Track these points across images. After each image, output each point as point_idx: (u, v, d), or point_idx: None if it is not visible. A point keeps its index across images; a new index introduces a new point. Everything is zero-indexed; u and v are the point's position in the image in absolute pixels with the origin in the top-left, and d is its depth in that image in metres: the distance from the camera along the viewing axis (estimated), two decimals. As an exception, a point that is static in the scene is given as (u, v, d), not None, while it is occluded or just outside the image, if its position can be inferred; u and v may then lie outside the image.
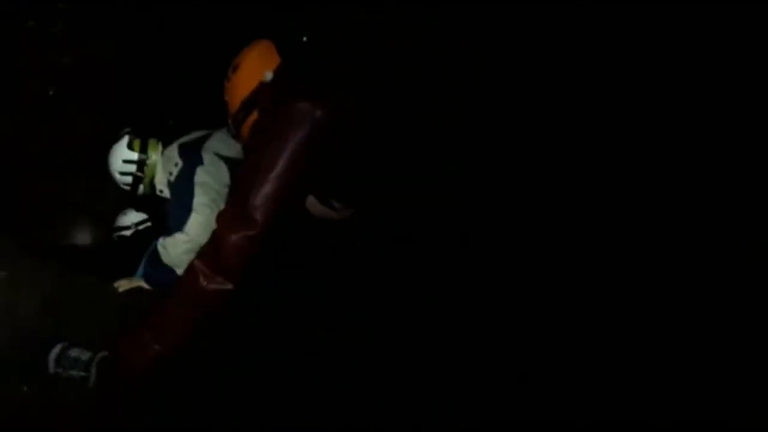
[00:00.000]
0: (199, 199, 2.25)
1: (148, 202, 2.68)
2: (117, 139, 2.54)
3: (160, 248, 2.28)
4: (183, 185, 2.30)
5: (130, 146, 2.50)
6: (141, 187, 2.55)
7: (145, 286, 2.35)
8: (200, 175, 2.28)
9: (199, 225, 2.25)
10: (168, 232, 2.32)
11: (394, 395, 1.81)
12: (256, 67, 1.72)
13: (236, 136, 1.91)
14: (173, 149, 2.43)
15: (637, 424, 1.71)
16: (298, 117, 1.57)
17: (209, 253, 1.63)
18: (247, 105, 1.74)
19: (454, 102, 1.96)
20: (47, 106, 2.81)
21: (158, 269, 2.29)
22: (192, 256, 2.05)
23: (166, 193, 2.47)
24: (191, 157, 2.35)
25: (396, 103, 1.81)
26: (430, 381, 1.84)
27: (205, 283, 1.59)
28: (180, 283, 1.70)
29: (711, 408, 1.68)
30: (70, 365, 1.74)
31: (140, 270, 2.45)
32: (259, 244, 1.59)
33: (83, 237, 3.45)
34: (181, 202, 2.30)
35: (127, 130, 2.55)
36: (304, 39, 1.79)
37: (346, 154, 1.70)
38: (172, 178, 2.38)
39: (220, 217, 1.65)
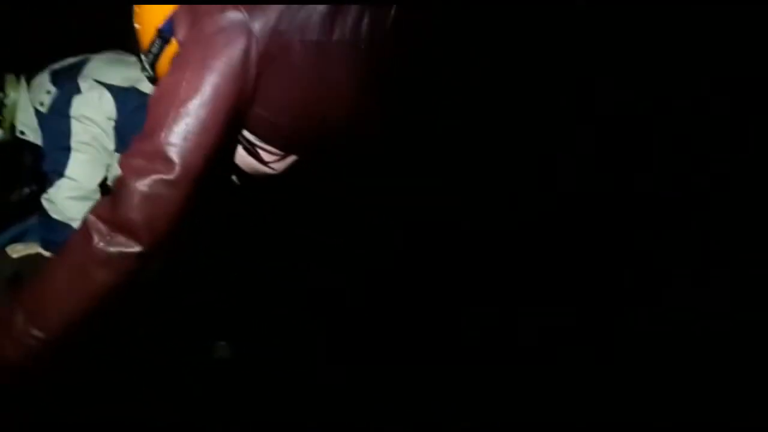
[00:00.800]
0: (78, 137, 1.97)
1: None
2: None
3: (44, 202, 1.99)
4: (57, 120, 2.00)
5: None
6: None
7: (44, 252, 1.99)
8: (77, 107, 1.97)
9: (81, 164, 1.98)
10: (48, 180, 2.00)
11: (393, 396, 1.78)
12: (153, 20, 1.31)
13: (152, 78, 1.44)
14: (44, 76, 2.06)
15: (637, 424, 1.74)
16: (230, 28, 1.20)
17: (107, 204, 1.18)
18: (164, 33, 1.32)
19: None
20: None
21: (52, 228, 1.99)
22: (87, 204, 1.90)
23: (29, 135, 2.10)
24: (66, 86, 2.01)
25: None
26: (430, 381, 1.81)
27: (100, 244, 1.14)
28: (67, 246, 1.22)
29: (711, 408, 1.72)
30: None
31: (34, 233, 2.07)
32: (184, 194, 1.17)
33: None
34: (55, 141, 2.01)
35: None
36: None
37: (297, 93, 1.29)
38: (44, 109, 2.02)
39: (124, 159, 1.20)
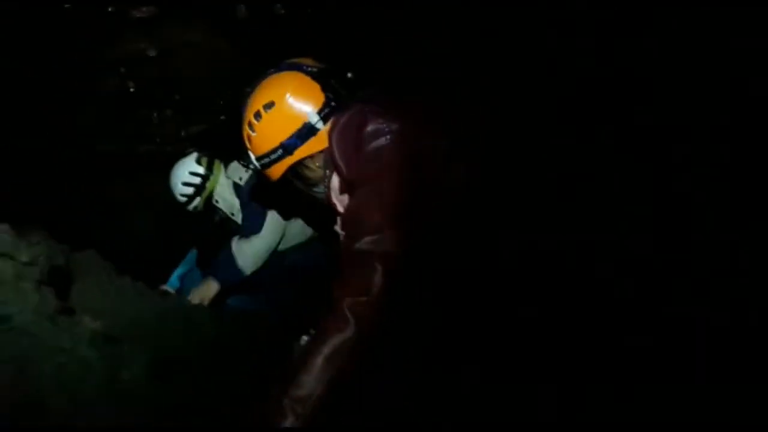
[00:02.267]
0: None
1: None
2: (185, 155, 2.75)
3: (235, 250, 2.51)
4: (256, 188, 2.48)
5: (198, 161, 2.69)
6: (197, 200, 2.69)
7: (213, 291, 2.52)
8: None
9: (274, 224, 2.50)
10: (243, 236, 2.53)
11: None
12: (298, 109, 1.56)
13: (261, 175, 1.72)
14: (238, 163, 2.65)
15: (637, 425, 1.64)
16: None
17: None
18: (288, 147, 1.58)
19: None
20: (126, 103, 2.76)
21: (231, 273, 2.50)
22: (263, 259, 2.50)
23: (221, 204, 2.69)
24: None
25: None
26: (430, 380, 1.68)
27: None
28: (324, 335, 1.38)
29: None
30: None
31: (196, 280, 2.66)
32: None
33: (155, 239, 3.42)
34: (252, 207, 2.52)
35: (196, 149, 2.78)
36: (349, 75, 1.62)
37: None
38: (243, 182, 2.57)
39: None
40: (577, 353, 1.75)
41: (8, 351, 1.36)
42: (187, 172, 2.67)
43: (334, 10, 2.42)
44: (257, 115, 1.59)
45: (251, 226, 2.52)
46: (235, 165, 2.65)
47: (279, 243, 2.56)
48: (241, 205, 2.63)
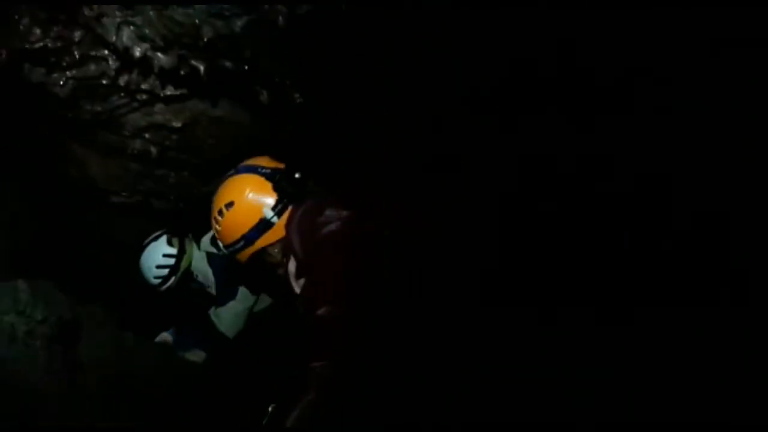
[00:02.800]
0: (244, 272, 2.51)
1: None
2: (154, 238, 2.86)
3: (213, 317, 2.68)
4: (226, 259, 2.44)
5: (169, 243, 2.80)
6: (171, 280, 2.80)
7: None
8: None
9: (245, 292, 2.67)
10: (219, 303, 2.69)
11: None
12: (256, 206, 1.84)
13: (229, 258, 2.02)
14: (210, 235, 2.77)
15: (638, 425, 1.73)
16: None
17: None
18: (249, 239, 1.87)
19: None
20: (146, 163, 2.91)
21: (216, 339, 2.64)
22: (241, 321, 2.65)
23: (200, 276, 2.83)
24: None
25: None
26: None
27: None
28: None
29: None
30: None
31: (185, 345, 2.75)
32: None
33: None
34: (226, 275, 2.67)
35: (164, 230, 2.88)
36: (297, 174, 1.89)
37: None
38: (220, 251, 2.48)
39: None
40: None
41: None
42: (160, 255, 2.79)
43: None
44: (220, 213, 1.87)
45: (227, 294, 2.68)
46: (206, 236, 2.83)
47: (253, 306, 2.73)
48: (214, 274, 2.77)
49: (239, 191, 1.86)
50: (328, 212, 1.72)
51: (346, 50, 2.33)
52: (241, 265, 1.97)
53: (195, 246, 2.88)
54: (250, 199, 1.84)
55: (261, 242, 1.87)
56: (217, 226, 1.90)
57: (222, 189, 1.90)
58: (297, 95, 2.35)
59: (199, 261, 2.84)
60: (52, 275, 1.91)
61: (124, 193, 3.10)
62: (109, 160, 2.88)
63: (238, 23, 2.06)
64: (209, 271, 2.79)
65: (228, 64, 2.18)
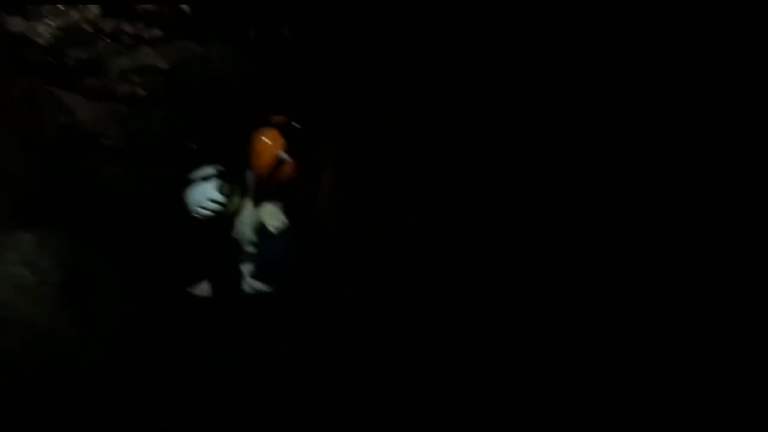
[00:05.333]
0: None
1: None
2: (205, 177, 2.77)
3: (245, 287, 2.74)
4: (280, 245, 2.71)
5: (219, 190, 2.74)
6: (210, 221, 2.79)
7: None
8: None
9: None
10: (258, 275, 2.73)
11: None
12: (271, 151, 2.67)
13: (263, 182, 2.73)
14: (277, 211, 2.79)
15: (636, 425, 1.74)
16: None
17: None
18: (273, 171, 2.69)
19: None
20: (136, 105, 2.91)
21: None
22: None
23: (240, 232, 2.80)
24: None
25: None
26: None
27: None
28: None
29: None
30: None
31: None
32: None
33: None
34: (274, 256, 2.71)
35: (217, 171, 2.79)
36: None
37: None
38: (274, 230, 2.73)
39: None
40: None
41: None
42: (205, 198, 2.74)
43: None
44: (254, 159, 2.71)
45: (265, 268, 2.72)
46: (272, 209, 2.79)
47: None
48: (259, 249, 2.77)
49: (263, 144, 2.67)
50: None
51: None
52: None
53: (250, 203, 2.86)
54: (270, 147, 2.67)
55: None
56: (254, 168, 2.72)
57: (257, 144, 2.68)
58: (286, 30, 2.32)
59: (244, 224, 2.83)
60: (53, 226, 1.94)
61: (114, 137, 3.08)
62: (98, 104, 2.87)
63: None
64: (253, 236, 2.78)
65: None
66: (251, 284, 2.72)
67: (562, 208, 2.47)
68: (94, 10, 2.11)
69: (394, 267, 2.46)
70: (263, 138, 2.71)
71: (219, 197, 2.72)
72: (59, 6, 2.05)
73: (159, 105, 2.90)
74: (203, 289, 2.76)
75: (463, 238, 2.49)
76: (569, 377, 1.95)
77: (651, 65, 2.20)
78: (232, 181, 2.78)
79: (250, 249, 2.78)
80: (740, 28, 1.95)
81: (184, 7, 2.07)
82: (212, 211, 2.72)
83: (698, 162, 2.15)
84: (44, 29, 2.13)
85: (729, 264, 2.01)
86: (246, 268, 2.75)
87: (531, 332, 2.15)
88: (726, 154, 2.05)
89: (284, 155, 2.66)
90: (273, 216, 2.76)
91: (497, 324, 2.24)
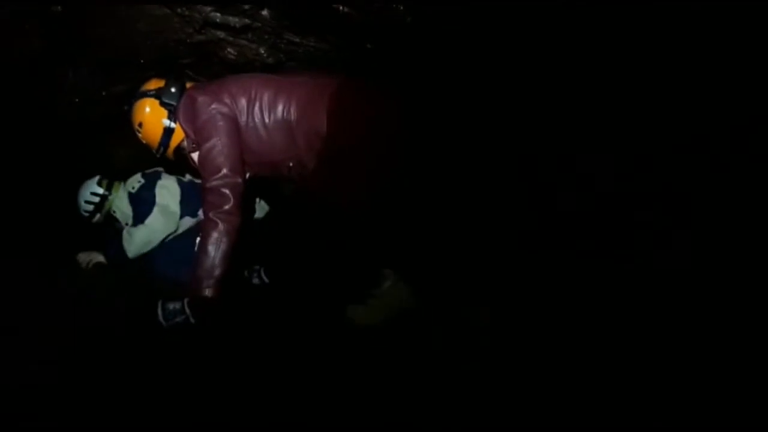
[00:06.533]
0: (160, 200, 2.99)
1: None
2: (89, 178, 3.22)
3: (124, 233, 2.98)
4: (144, 192, 3.03)
5: (99, 183, 3.19)
6: (97, 216, 3.21)
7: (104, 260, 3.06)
8: (161, 183, 3.07)
9: (157, 219, 2.95)
10: (133, 224, 3.01)
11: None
12: (156, 121, 2.51)
13: (162, 156, 2.61)
14: (137, 175, 3.17)
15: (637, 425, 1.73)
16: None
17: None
18: (163, 141, 2.54)
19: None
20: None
21: (116, 250, 2.98)
22: (148, 247, 2.97)
23: (118, 215, 3.17)
24: (153, 175, 3.14)
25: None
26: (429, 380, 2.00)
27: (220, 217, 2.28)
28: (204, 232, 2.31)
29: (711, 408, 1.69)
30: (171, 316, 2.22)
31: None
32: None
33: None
34: (143, 203, 3.00)
35: (101, 175, 3.24)
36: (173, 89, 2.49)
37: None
38: (134, 190, 3.08)
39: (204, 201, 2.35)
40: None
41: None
42: (89, 192, 3.17)
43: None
44: (137, 131, 2.58)
45: (138, 216, 3.00)
46: (133, 177, 3.17)
47: (168, 234, 2.99)
48: (132, 205, 3.08)
49: (141, 113, 2.52)
50: (199, 99, 2.35)
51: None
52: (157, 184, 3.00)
53: (122, 187, 3.19)
54: (150, 117, 2.50)
55: (173, 142, 2.56)
56: (140, 138, 2.59)
57: (131, 114, 2.56)
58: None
59: (121, 200, 3.16)
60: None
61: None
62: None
63: None
64: (128, 211, 3.10)
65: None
66: (126, 231, 3.00)
67: (562, 208, 2.48)
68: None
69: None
70: (144, 109, 2.49)
71: (99, 190, 3.15)
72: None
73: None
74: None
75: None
76: (569, 377, 1.97)
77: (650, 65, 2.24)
78: (113, 179, 3.21)
79: (119, 217, 3.15)
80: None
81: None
82: (94, 203, 3.13)
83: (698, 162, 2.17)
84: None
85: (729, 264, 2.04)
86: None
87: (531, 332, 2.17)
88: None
89: (168, 123, 2.46)
90: (133, 179, 3.12)
91: (497, 324, 2.26)
